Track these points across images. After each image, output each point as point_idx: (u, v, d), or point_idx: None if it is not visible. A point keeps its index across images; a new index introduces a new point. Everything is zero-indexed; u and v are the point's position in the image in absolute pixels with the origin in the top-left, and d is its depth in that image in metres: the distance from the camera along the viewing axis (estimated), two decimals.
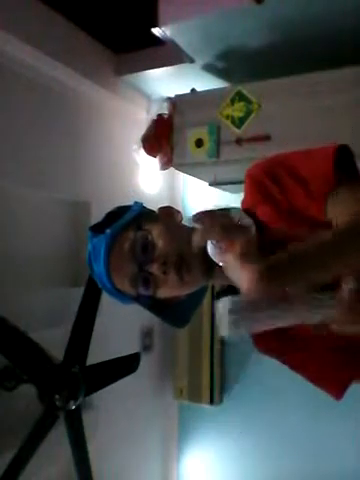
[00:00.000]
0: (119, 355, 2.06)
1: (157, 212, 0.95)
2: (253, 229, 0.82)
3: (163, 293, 0.87)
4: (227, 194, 2.94)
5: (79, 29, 2.17)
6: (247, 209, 0.90)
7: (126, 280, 0.87)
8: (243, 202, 0.94)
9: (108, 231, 0.87)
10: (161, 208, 0.96)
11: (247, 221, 0.83)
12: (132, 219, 0.89)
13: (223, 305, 0.78)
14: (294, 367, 0.97)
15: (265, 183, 0.88)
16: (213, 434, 2.99)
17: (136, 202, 0.95)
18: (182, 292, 0.89)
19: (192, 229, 0.92)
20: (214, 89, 2.36)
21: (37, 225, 2.20)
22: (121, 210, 0.92)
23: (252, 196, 0.90)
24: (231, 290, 0.84)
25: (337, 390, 0.94)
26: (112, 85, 2.42)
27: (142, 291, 0.86)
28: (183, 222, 0.96)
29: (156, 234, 0.86)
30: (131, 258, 0.85)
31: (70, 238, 2.38)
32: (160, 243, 0.85)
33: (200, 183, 2.78)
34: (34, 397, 1.76)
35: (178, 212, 0.96)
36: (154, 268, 0.84)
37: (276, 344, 0.95)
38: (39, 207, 2.22)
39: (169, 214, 0.94)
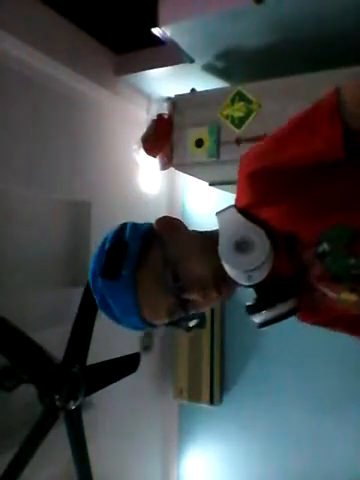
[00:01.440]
0: (119, 355, 2.06)
1: (156, 227, 0.88)
2: (264, 236, 0.77)
3: (202, 310, 0.86)
4: (227, 194, 2.94)
5: (79, 29, 2.16)
6: (245, 209, 0.81)
7: (162, 313, 0.83)
8: (237, 201, 0.85)
9: (126, 272, 0.81)
10: (161, 224, 0.88)
11: (255, 232, 0.78)
12: (140, 251, 0.83)
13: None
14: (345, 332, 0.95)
15: (273, 179, 0.76)
16: (213, 434, 2.99)
17: (123, 227, 0.87)
18: (220, 303, 0.87)
19: (202, 234, 0.88)
20: (214, 89, 2.36)
21: (37, 225, 2.20)
22: (119, 243, 0.84)
23: (254, 196, 0.79)
24: (259, 304, 0.82)
25: None
26: (112, 85, 2.42)
27: (181, 316, 0.84)
28: (189, 229, 0.90)
29: (179, 260, 0.81)
30: (164, 292, 0.81)
31: (70, 238, 2.38)
32: (191, 270, 0.81)
33: (200, 183, 2.79)
34: (34, 397, 1.76)
35: (179, 221, 0.90)
36: (193, 295, 0.82)
37: (317, 318, 0.94)
38: (39, 207, 2.22)
39: (172, 228, 0.88)
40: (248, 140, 2.11)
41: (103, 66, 2.37)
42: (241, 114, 2.15)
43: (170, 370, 2.98)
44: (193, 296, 0.82)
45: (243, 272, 0.77)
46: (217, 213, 0.84)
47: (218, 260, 0.79)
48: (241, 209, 0.82)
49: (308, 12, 1.90)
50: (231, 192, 2.91)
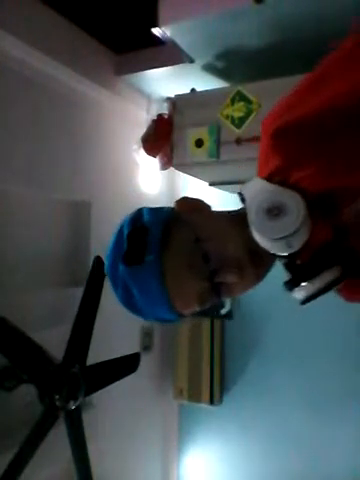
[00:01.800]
0: (119, 355, 2.07)
1: (177, 208, 0.81)
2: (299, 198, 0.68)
3: (236, 294, 0.79)
4: (227, 194, 2.94)
5: (79, 29, 2.16)
6: (271, 176, 0.74)
7: (193, 300, 0.76)
8: (261, 171, 0.78)
9: (150, 257, 0.73)
10: (183, 204, 0.81)
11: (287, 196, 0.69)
12: (163, 234, 0.75)
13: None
14: None
15: (300, 135, 0.68)
16: (213, 434, 2.99)
17: (140, 212, 0.81)
18: (256, 284, 0.79)
19: (229, 212, 0.81)
20: (214, 89, 2.36)
21: (37, 225, 2.20)
22: (140, 227, 0.77)
23: (281, 158, 0.72)
24: (302, 275, 0.73)
25: None
26: (112, 85, 2.43)
27: (214, 302, 0.77)
28: (212, 208, 0.82)
29: (208, 240, 0.74)
30: (195, 276, 0.74)
31: (70, 238, 2.38)
32: (224, 248, 0.74)
33: (200, 183, 2.79)
34: (34, 397, 1.76)
35: (200, 200, 0.82)
36: (229, 277, 0.74)
37: None
38: (39, 207, 2.22)
39: (195, 208, 0.80)
40: (248, 140, 2.11)
41: (103, 66, 2.37)
42: (241, 114, 2.15)
43: (170, 370, 2.98)
44: (228, 278, 0.74)
45: (281, 240, 0.68)
46: (240, 190, 0.77)
47: (250, 235, 0.71)
48: (267, 177, 0.74)
49: (308, 12, 1.90)
50: (231, 192, 2.91)
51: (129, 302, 0.77)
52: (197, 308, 0.77)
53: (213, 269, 0.74)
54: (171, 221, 0.78)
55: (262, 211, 0.69)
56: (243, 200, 0.77)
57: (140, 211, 0.81)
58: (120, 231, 0.80)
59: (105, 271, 0.81)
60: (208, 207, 0.82)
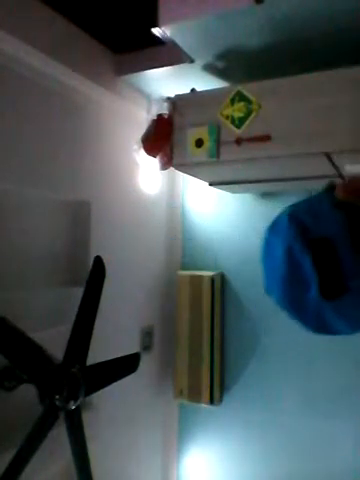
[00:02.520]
0: (119, 355, 2.07)
1: (342, 198, 0.62)
2: None
3: None
4: (227, 194, 2.94)
5: (79, 29, 2.17)
6: None
7: None
8: None
9: (354, 283, 0.62)
10: (347, 190, 0.62)
11: None
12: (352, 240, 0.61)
13: None
14: None
15: None
16: (213, 434, 3.00)
17: (300, 218, 0.62)
18: None
19: None
20: (214, 89, 2.36)
21: (37, 225, 2.20)
22: (321, 242, 0.60)
23: None
24: None
25: None
26: (112, 85, 2.43)
27: None
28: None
29: None
30: None
31: (70, 238, 2.39)
32: None
33: (200, 183, 2.79)
34: (34, 397, 1.76)
35: (356, 180, 0.65)
36: None
37: None
38: (39, 207, 2.22)
39: (357, 191, 0.62)
40: (248, 140, 2.11)
41: (103, 66, 2.37)
42: (241, 114, 2.15)
43: (170, 370, 2.98)
44: None
45: None
46: None
47: None
48: None
49: (308, 12, 1.90)
50: (231, 192, 2.91)
51: (326, 329, 0.69)
52: None
53: None
54: (347, 215, 0.61)
55: None
56: None
57: (298, 218, 0.61)
58: (288, 251, 0.63)
59: (275, 301, 0.69)
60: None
